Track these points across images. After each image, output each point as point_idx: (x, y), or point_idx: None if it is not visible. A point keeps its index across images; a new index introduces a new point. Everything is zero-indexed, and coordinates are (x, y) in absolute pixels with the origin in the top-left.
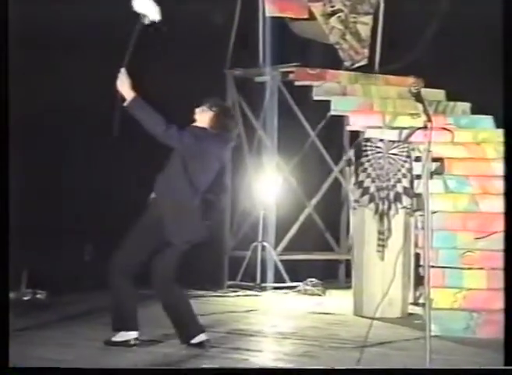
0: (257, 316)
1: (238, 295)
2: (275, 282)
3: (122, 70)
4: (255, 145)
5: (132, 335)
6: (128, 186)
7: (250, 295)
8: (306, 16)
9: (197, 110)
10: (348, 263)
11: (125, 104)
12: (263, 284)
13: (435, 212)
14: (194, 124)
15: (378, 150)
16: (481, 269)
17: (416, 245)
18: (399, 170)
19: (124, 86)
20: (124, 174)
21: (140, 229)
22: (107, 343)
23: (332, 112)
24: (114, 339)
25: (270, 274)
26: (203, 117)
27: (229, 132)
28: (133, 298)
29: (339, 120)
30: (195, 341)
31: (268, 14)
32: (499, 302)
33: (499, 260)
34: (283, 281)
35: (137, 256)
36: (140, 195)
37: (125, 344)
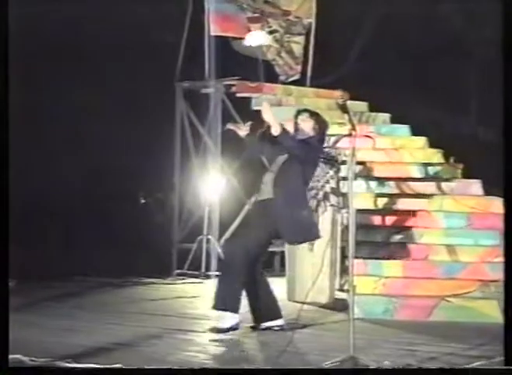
0: (201, 301)
1: (185, 283)
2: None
3: (266, 103)
4: (201, 150)
5: (280, 322)
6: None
7: (195, 283)
8: (245, 36)
9: (300, 119)
10: (282, 254)
11: (277, 134)
12: (207, 273)
13: (358, 210)
14: (301, 132)
15: None
16: (398, 259)
17: (342, 239)
18: (327, 172)
19: (271, 117)
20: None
21: (255, 228)
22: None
23: None
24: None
25: (214, 264)
26: (306, 125)
27: (324, 134)
28: (269, 289)
29: None
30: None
31: (212, 33)
32: (413, 289)
33: (413, 252)
34: None
35: (257, 252)
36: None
37: (281, 328)
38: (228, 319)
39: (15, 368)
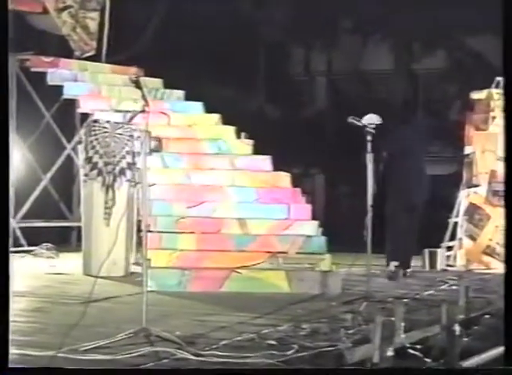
0: None
1: None
2: (14, 247)
3: None
4: None
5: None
6: None
7: None
8: (40, 10)
9: None
10: (79, 229)
11: None
12: None
13: (153, 185)
14: None
15: (106, 130)
16: (192, 233)
17: (138, 213)
18: (123, 148)
19: None
20: None
21: None
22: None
23: (65, 96)
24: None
25: (9, 240)
26: None
27: None
28: None
29: (72, 103)
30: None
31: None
32: (205, 261)
33: (206, 225)
34: (21, 246)
35: None
36: None
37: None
38: None
39: (14, 368)
